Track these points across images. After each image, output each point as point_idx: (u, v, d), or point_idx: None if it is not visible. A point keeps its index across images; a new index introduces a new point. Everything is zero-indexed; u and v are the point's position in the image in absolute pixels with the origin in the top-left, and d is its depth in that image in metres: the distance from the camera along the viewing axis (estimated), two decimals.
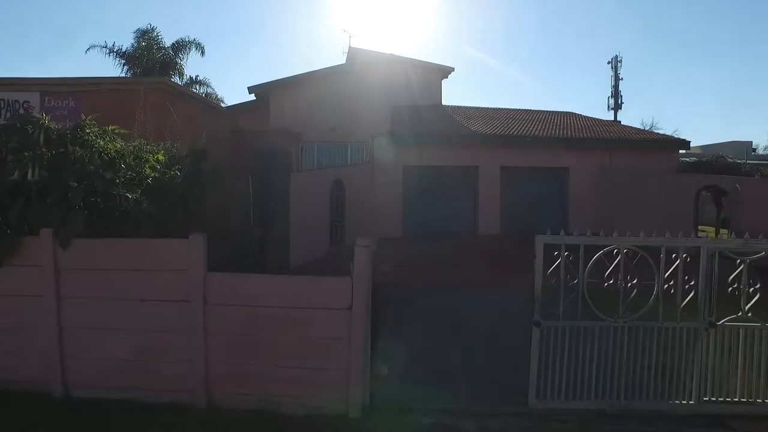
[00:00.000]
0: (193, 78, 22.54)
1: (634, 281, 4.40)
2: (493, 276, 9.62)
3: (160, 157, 6.05)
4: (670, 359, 4.38)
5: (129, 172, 5.04)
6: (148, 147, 5.97)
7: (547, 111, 20.67)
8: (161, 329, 4.38)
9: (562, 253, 4.38)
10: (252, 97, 15.79)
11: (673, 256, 4.40)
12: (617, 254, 4.39)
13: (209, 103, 10.20)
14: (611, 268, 4.39)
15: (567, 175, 15.34)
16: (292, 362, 4.29)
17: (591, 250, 4.39)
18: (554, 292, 4.37)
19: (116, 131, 5.32)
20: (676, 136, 15.68)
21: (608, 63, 33.68)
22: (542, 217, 15.16)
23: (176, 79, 21.23)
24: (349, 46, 16.28)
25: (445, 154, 14.39)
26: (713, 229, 15.65)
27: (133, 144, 5.45)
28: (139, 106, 7.09)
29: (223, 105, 18.45)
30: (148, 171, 5.40)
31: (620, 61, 32.93)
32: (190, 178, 6.11)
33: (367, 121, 14.64)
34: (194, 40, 21.32)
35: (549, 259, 4.38)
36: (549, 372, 4.40)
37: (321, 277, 4.51)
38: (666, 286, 4.38)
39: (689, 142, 15.11)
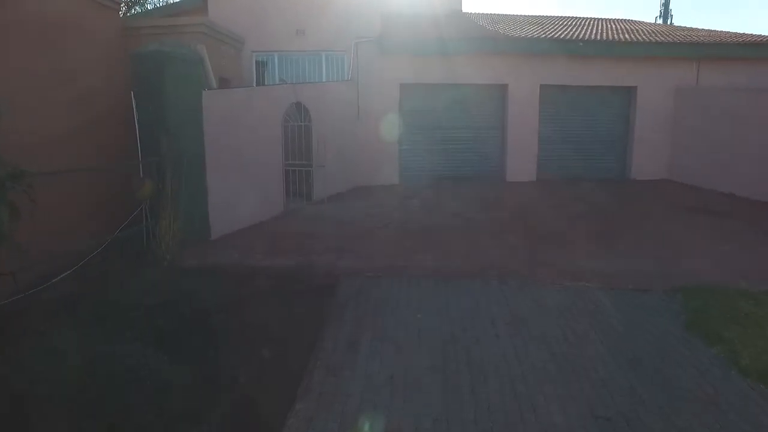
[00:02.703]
0: None
1: None
2: (534, 256, 5.82)
3: None
4: None
5: None
6: None
7: (596, 18, 15.83)
8: None
9: None
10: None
11: None
12: None
13: None
14: None
15: (633, 98, 11.00)
16: None
17: None
18: None
19: None
20: None
21: None
22: (596, 159, 11.20)
23: None
24: None
25: (461, 67, 10.15)
26: None
27: None
28: None
29: None
30: None
31: None
32: None
33: (351, 24, 10.32)
34: None
35: None
36: None
37: None
38: None
39: None
